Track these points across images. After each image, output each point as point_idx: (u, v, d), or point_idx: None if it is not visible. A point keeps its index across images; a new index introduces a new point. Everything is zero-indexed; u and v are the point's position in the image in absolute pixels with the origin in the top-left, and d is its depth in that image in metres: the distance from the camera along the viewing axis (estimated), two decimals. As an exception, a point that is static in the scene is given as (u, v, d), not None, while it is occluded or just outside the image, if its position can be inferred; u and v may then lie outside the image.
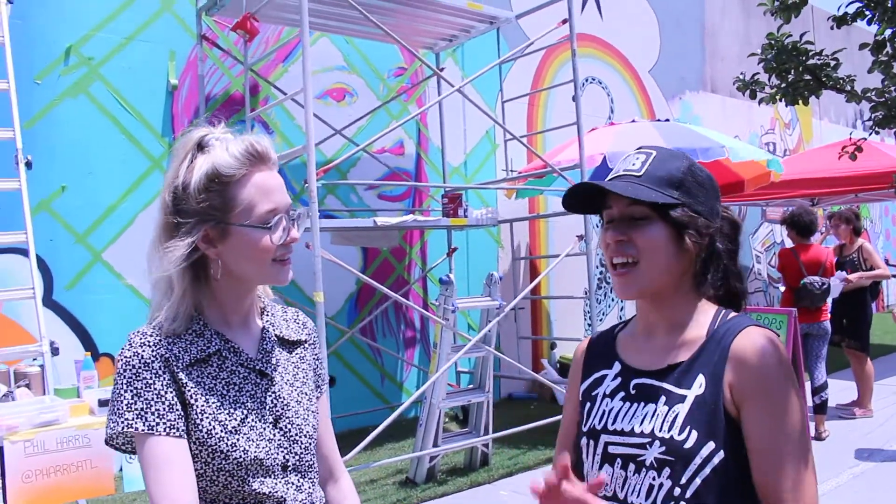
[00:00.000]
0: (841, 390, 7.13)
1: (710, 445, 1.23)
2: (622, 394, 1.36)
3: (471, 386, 5.71)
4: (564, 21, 6.00)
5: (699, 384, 1.27)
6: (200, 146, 1.35)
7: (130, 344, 1.31)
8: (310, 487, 1.42)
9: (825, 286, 6.06)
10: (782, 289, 6.83)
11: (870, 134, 2.65)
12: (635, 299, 1.38)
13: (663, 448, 1.25)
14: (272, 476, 1.34)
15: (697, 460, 1.22)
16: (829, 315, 6.23)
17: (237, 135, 1.38)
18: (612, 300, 9.25)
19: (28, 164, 4.31)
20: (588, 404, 1.42)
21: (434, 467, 5.21)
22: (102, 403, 3.24)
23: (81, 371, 3.59)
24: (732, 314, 1.35)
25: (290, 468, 1.38)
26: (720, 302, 1.38)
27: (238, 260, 1.35)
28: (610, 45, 9.49)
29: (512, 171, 7.21)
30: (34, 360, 3.78)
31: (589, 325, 6.26)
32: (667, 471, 1.24)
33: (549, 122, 8.31)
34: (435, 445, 5.09)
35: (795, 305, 5.98)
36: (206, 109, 5.80)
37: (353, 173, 6.75)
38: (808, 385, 6.14)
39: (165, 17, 5.77)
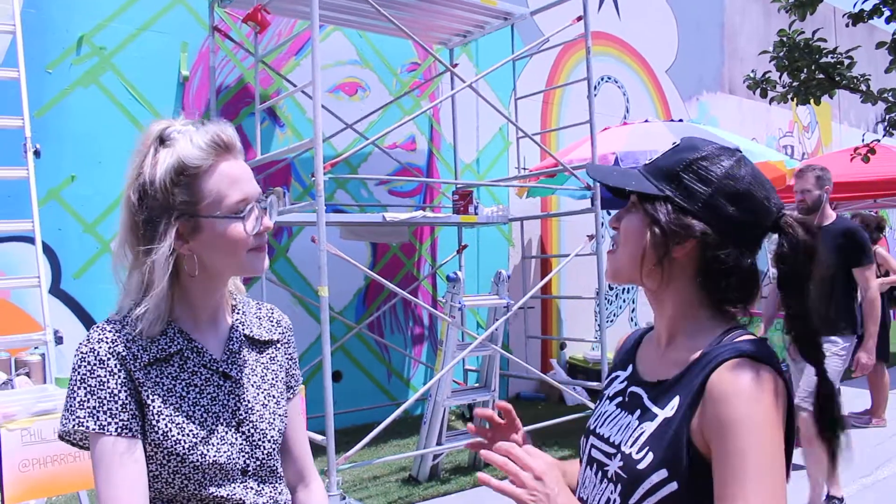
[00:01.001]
0: (855, 398, 7.02)
1: (662, 473, 1.13)
2: (619, 399, 1.32)
3: (477, 384, 5.67)
4: (579, 18, 5.93)
5: (672, 406, 1.17)
6: (162, 139, 1.30)
7: (88, 339, 1.26)
8: (271, 492, 1.38)
9: None
10: None
11: (884, 135, 2.57)
12: (615, 283, 1.35)
13: (622, 463, 1.19)
14: (231, 480, 1.30)
15: (646, 485, 1.14)
16: None
17: (199, 126, 1.33)
18: (624, 301, 9.17)
19: (37, 153, 4.31)
20: (598, 402, 1.40)
21: (437, 465, 5.18)
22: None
23: (82, 361, 3.58)
24: (741, 335, 1.19)
25: (249, 473, 1.34)
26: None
27: (213, 253, 1.31)
28: (627, 44, 9.40)
29: (524, 168, 7.16)
30: (35, 348, 3.77)
31: (599, 325, 6.19)
32: (619, 487, 1.19)
33: (564, 121, 8.25)
34: (439, 443, 5.05)
35: None
36: (217, 101, 5.79)
37: (363, 168, 6.72)
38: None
39: (178, 8, 5.76)
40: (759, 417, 1.07)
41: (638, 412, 1.23)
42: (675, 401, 1.17)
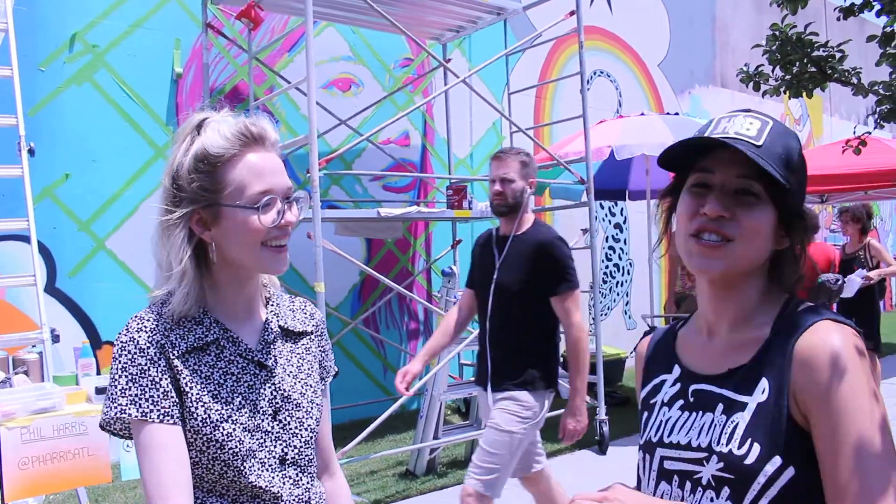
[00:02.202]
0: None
1: (777, 461, 1.04)
2: (681, 402, 1.19)
3: (473, 379, 5.69)
4: (572, 13, 5.95)
5: (762, 390, 1.08)
6: (199, 129, 1.33)
7: (127, 329, 1.29)
8: (308, 482, 1.39)
9: (840, 283, 6.02)
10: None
11: (875, 127, 2.60)
12: (718, 277, 1.15)
13: (721, 464, 1.08)
14: (269, 469, 1.32)
15: (762, 478, 1.04)
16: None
17: (237, 117, 1.34)
18: (618, 294, 9.21)
19: (31, 152, 4.30)
20: (646, 414, 1.27)
21: (434, 459, 5.20)
22: (100, 391, 3.24)
23: (80, 359, 3.59)
24: (805, 305, 1.14)
25: (288, 462, 1.36)
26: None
27: (230, 244, 1.32)
28: (619, 39, 9.42)
29: (518, 163, 7.17)
30: (33, 346, 3.78)
31: (593, 319, 6.22)
32: (726, 491, 1.07)
33: (557, 115, 8.27)
34: (435, 438, 5.08)
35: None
36: (211, 98, 5.79)
37: (358, 164, 6.73)
38: None
39: (171, 6, 5.75)
40: (858, 374, 1.03)
41: (720, 407, 1.12)
42: (764, 383, 1.09)
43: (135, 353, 1.26)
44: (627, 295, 9.29)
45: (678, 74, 10.36)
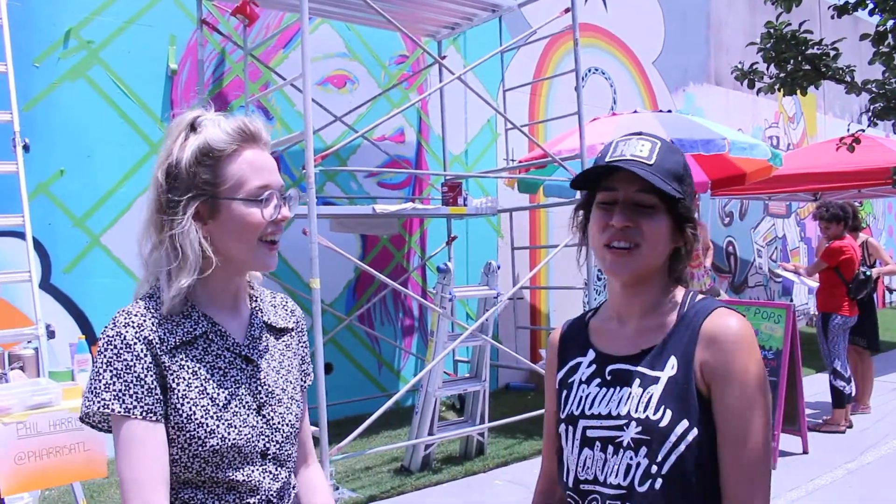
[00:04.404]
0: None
1: (684, 423, 1.26)
2: (598, 380, 1.39)
3: (467, 375, 5.71)
4: (567, 10, 5.96)
5: (671, 365, 1.31)
6: (193, 126, 1.35)
7: (114, 323, 1.29)
8: (286, 476, 1.41)
9: (868, 275, 6.15)
10: (814, 284, 6.74)
11: (868, 125, 2.62)
12: (629, 281, 1.38)
13: (640, 428, 1.29)
14: (249, 463, 1.33)
15: (672, 437, 1.26)
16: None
17: (229, 116, 1.38)
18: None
19: (26, 147, 4.29)
20: (565, 392, 1.45)
21: (429, 455, 5.22)
22: (96, 387, 3.23)
23: (75, 354, 3.59)
24: (701, 296, 1.39)
25: (269, 456, 1.37)
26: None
27: (227, 237, 1.34)
28: (614, 36, 9.44)
29: (513, 160, 7.19)
30: (29, 342, 3.78)
31: (587, 316, 6.25)
32: (643, 450, 1.28)
33: (551, 112, 8.28)
34: (430, 434, 5.09)
35: (854, 299, 6.07)
36: (206, 94, 5.78)
37: (353, 160, 6.73)
38: (828, 377, 6.27)
39: (166, 2, 5.73)
40: (753, 353, 1.29)
41: (637, 381, 1.33)
42: (672, 360, 1.31)
43: (121, 349, 1.26)
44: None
45: (672, 72, 10.38)
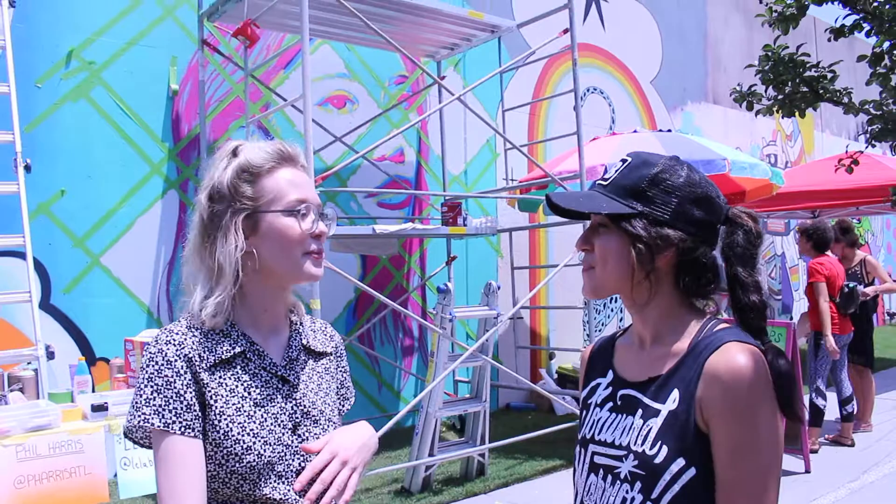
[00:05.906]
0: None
1: (680, 462, 1.21)
2: (610, 404, 1.37)
3: (468, 395, 5.69)
4: (566, 31, 6.00)
5: (673, 399, 1.25)
6: (234, 153, 1.42)
7: (157, 340, 1.34)
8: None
9: (855, 288, 6.13)
10: (804, 302, 6.73)
11: (866, 147, 2.64)
12: (595, 298, 1.39)
13: (636, 462, 1.25)
14: (285, 483, 1.35)
15: (667, 476, 1.21)
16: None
17: (270, 141, 1.45)
18: (612, 311, 9.23)
19: (27, 168, 4.32)
20: (584, 412, 1.43)
21: (430, 476, 5.19)
22: (96, 408, 3.23)
23: (75, 376, 3.58)
24: (721, 326, 1.29)
25: None
26: (738, 314, 1.30)
27: (271, 251, 1.38)
28: (612, 56, 9.50)
29: (512, 180, 7.21)
30: (28, 363, 3.77)
31: (587, 335, 6.24)
32: (638, 485, 1.24)
33: (550, 132, 8.31)
34: (431, 454, 5.07)
35: (845, 314, 6.06)
36: (207, 115, 5.81)
37: (353, 181, 6.75)
38: (834, 396, 6.27)
39: (167, 23, 5.78)
40: (759, 393, 1.19)
41: (639, 412, 1.29)
42: (675, 393, 1.25)
43: (162, 365, 1.30)
44: (622, 311, 9.30)
45: (671, 91, 10.44)
